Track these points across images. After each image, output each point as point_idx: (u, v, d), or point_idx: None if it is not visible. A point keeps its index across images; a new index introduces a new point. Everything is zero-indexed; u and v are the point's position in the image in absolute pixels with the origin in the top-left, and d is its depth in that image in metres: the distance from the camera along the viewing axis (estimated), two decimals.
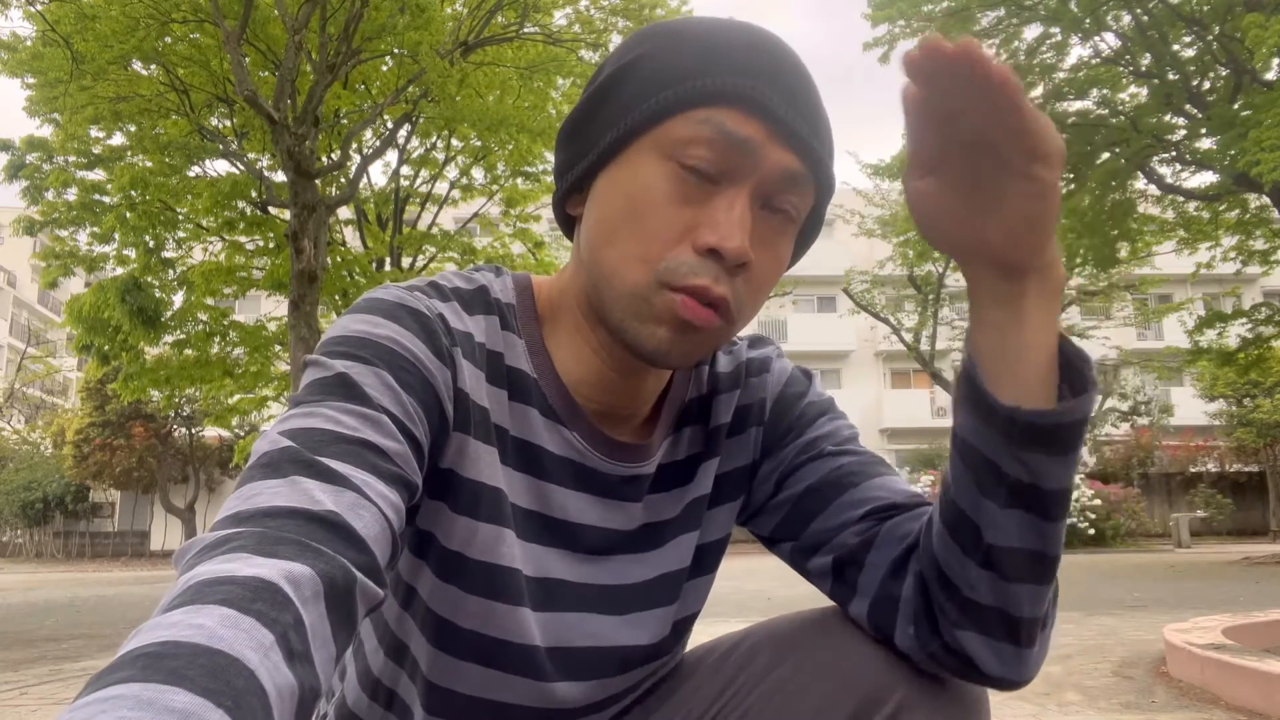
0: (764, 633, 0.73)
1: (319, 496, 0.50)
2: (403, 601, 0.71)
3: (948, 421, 30.89)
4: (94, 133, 12.48)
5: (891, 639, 0.67)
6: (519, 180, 14.62)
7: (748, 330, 0.85)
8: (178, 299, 13.34)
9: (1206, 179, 13.33)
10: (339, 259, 13.57)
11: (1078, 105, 13.46)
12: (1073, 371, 0.59)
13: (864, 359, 31.97)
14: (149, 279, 12.62)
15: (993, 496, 0.60)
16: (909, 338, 22.86)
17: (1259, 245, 14.30)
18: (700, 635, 0.84)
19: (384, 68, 12.16)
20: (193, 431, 26.54)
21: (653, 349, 0.64)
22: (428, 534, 0.68)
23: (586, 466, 0.72)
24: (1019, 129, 0.51)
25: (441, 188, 15.07)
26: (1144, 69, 12.56)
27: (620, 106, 0.66)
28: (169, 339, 13.41)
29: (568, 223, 0.73)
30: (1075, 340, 0.60)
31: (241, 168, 12.17)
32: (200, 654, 0.38)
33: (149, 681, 0.36)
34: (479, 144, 13.52)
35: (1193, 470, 25.80)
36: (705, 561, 0.79)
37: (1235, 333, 14.98)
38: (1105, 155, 13.02)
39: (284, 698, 0.40)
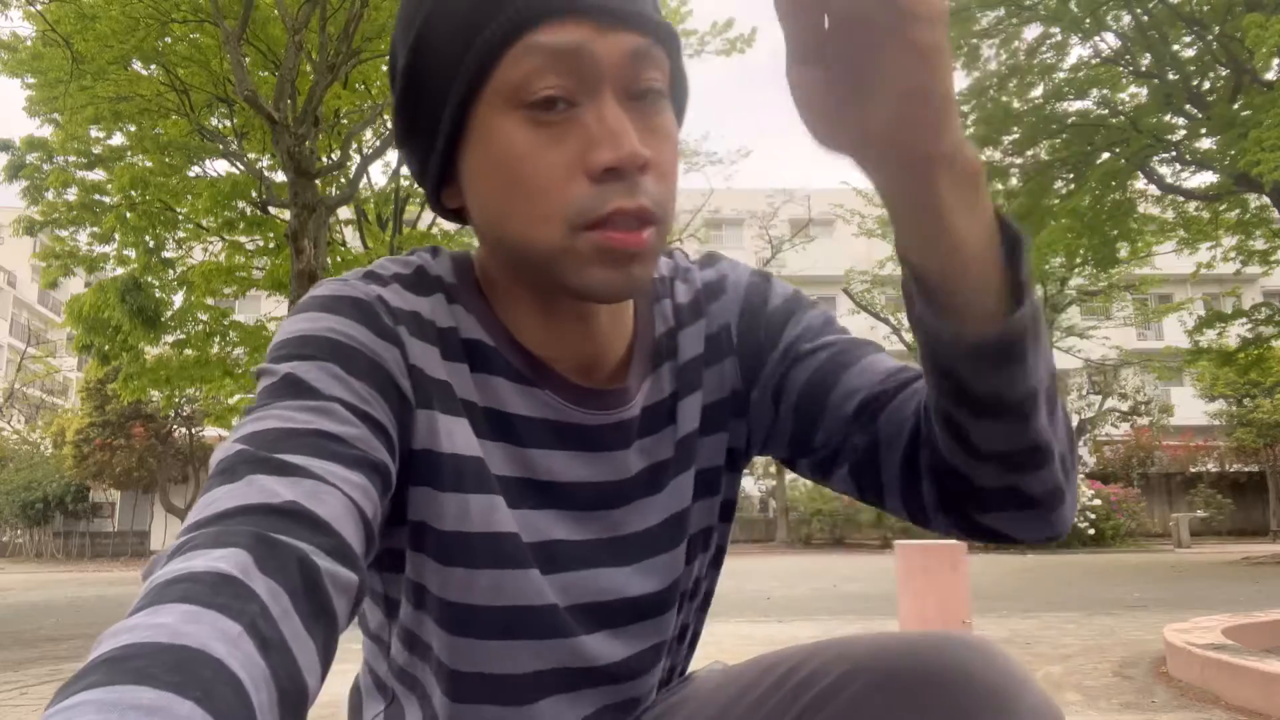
0: (835, 652, 0.69)
1: (277, 490, 0.50)
2: (415, 602, 0.69)
3: None
4: (94, 133, 12.50)
5: (929, 524, 0.68)
6: None
7: None
8: (178, 299, 13.36)
9: (1206, 179, 13.35)
10: (339, 259, 13.58)
11: (1078, 105, 13.47)
12: (1014, 270, 0.55)
13: None
14: (149, 279, 12.64)
15: (965, 405, 0.58)
16: (909, 338, 22.85)
17: (1259, 245, 14.31)
18: (704, 633, 0.84)
19: (384, 68, 12.15)
20: (193, 431, 26.52)
21: (604, 289, 0.62)
22: (421, 524, 0.66)
23: (567, 423, 0.70)
24: None
25: None
26: (1144, 69, 12.57)
27: (436, 84, 0.63)
28: (169, 339, 13.43)
29: (454, 215, 0.70)
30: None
31: (241, 168, 12.18)
32: (164, 651, 0.38)
33: (114, 684, 0.36)
34: None
35: (1193, 470, 25.80)
36: (703, 487, 0.76)
37: (1235, 333, 15.00)
38: (1105, 155, 13.03)
39: (258, 685, 0.40)
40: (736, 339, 0.77)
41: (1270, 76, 11.30)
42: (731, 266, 0.80)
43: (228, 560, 0.44)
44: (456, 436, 0.66)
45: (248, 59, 10.47)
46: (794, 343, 0.74)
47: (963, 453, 0.61)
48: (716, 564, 0.82)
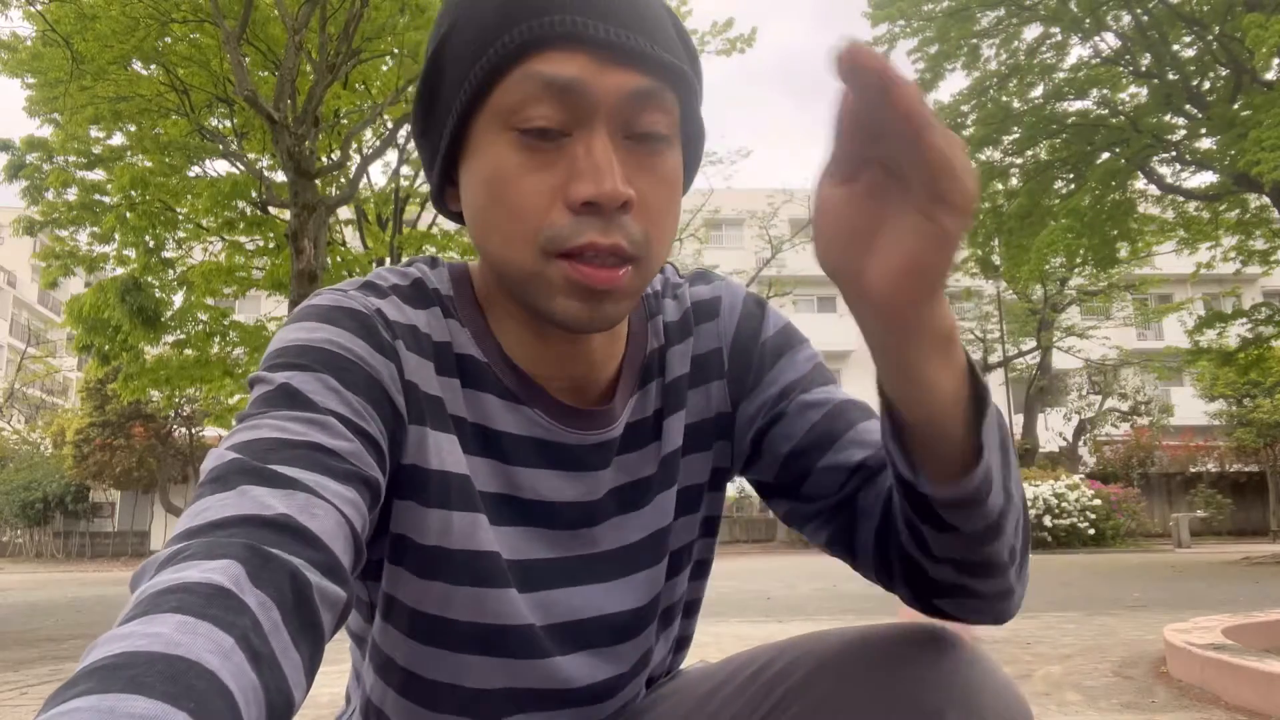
0: (804, 648, 0.71)
1: (269, 502, 0.50)
2: (384, 612, 0.70)
3: None
4: (94, 133, 12.51)
5: (894, 592, 0.70)
6: None
7: None
8: (178, 299, 13.35)
9: (1206, 179, 13.35)
10: (339, 259, 13.59)
11: (1078, 105, 13.47)
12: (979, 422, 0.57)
13: (864, 359, 31.72)
14: (149, 279, 12.63)
15: (928, 522, 0.62)
16: None
17: (1259, 245, 14.31)
18: (702, 634, 0.84)
19: (384, 68, 12.17)
20: (193, 431, 26.53)
21: (571, 320, 0.62)
22: (401, 537, 0.67)
23: (553, 442, 0.70)
24: (926, 164, 0.47)
25: None
26: (1144, 69, 12.57)
27: (447, 93, 0.64)
28: (169, 339, 13.42)
29: (456, 216, 0.71)
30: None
31: (241, 168, 12.18)
32: (158, 661, 0.38)
33: (108, 692, 0.36)
34: None
35: (1193, 470, 25.79)
36: (684, 505, 0.77)
37: (1235, 333, 14.99)
38: (1105, 155, 13.03)
39: (249, 699, 0.40)
40: (728, 363, 0.77)
41: (1270, 76, 11.31)
42: (727, 288, 0.80)
43: (221, 572, 0.44)
44: (445, 453, 0.66)
45: (248, 59, 10.47)
46: (790, 389, 0.75)
47: (920, 552, 0.64)
48: (700, 575, 0.82)
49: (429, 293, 0.71)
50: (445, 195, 0.70)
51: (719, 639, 4.89)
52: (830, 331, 31.80)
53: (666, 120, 0.63)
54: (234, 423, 0.58)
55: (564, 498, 0.71)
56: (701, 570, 0.82)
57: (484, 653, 0.68)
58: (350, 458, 0.56)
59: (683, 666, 0.86)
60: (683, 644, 0.84)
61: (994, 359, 23.69)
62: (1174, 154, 12.93)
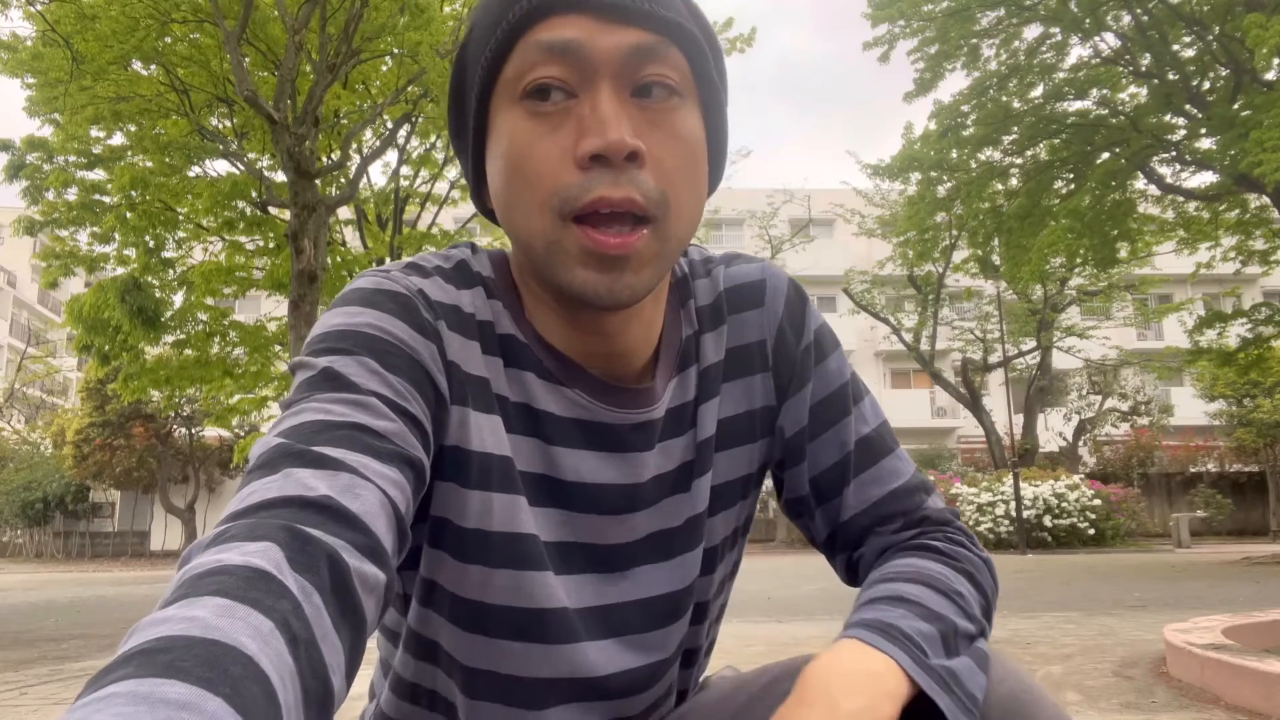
0: None
1: (312, 483, 0.50)
2: (423, 598, 0.69)
3: (948, 422, 30.93)
4: (94, 133, 12.50)
5: None
6: None
7: None
8: (178, 299, 13.36)
9: (1206, 179, 13.34)
10: (339, 259, 13.58)
11: (1078, 105, 13.47)
12: None
13: (864, 359, 31.97)
14: (149, 279, 12.64)
15: None
16: (909, 338, 22.87)
17: (1259, 245, 14.30)
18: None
19: (384, 68, 12.16)
20: (193, 431, 26.54)
21: (590, 293, 0.62)
22: (441, 520, 0.67)
23: (595, 422, 0.70)
24: None
25: (441, 188, 15.08)
26: (1144, 69, 12.56)
27: (468, 86, 0.67)
28: (169, 339, 13.43)
29: (494, 215, 0.72)
30: None
31: (241, 168, 12.18)
32: (195, 645, 0.38)
33: (144, 677, 0.36)
34: None
35: (1193, 470, 25.79)
36: (722, 500, 0.77)
37: (1235, 333, 14.98)
38: (1105, 155, 13.03)
39: (287, 683, 0.40)
40: (772, 357, 0.77)
41: (1270, 76, 11.30)
42: (771, 273, 0.79)
43: (261, 555, 0.44)
44: (487, 434, 0.66)
45: (248, 59, 10.47)
46: (828, 405, 0.77)
47: None
48: (732, 576, 0.82)
49: (472, 274, 0.71)
50: (483, 192, 0.70)
51: (719, 639, 4.89)
52: None
53: (675, 74, 0.63)
54: (279, 410, 0.58)
55: (604, 480, 0.71)
56: (733, 572, 0.82)
57: (520, 638, 0.68)
58: (393, 438, 0.56)
59: (708, 673, 0.86)
60: (709, 650, 0.84)
61: (994, 359, 23.69)
62: (1174, 154, 12.92)
